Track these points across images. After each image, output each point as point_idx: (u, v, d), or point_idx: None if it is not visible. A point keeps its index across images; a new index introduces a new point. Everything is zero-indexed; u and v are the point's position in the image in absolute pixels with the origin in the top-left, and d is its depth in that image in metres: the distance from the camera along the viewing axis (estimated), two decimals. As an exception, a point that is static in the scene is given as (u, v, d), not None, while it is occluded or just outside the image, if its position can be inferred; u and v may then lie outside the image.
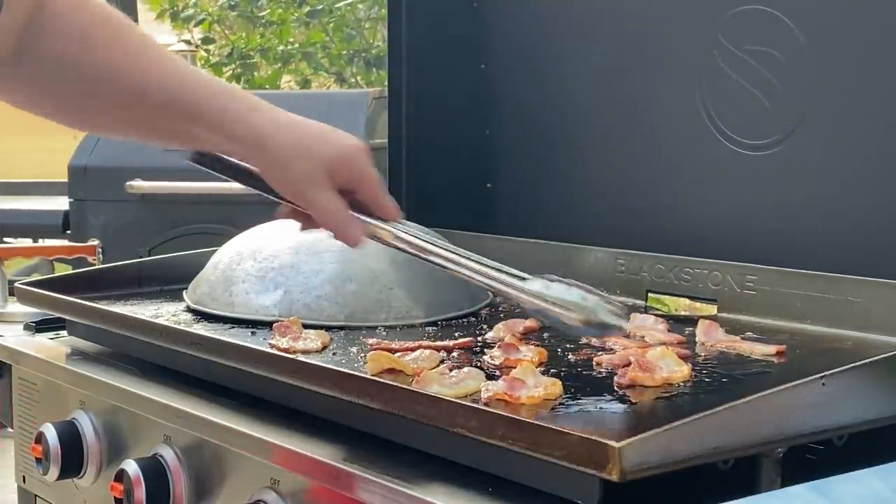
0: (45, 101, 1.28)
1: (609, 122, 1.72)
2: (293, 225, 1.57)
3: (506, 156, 1.87)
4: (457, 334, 1.40)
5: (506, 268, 1.23)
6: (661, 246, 1.60)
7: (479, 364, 1.24)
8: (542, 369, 1.20)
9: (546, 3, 1.81)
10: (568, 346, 1.33)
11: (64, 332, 1.68)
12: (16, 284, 1.71)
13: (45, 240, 3.28)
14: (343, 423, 1.21)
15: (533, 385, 1.11)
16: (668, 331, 1.38)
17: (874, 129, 1.42)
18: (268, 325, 1.42)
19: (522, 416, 1.03)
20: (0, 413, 1.73)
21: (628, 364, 1.18)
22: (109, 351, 1.59)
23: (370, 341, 1.34)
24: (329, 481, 1.13)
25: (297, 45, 5.72)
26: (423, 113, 1.85)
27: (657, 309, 1.56)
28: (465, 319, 1.50)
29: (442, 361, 1.25)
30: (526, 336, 1.38)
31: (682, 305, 1.57)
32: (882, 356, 1.11)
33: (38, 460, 1.48)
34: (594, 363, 1.24)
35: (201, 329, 1.44)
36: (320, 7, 5.67)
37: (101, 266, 2.17)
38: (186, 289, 1.60)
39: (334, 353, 1.32)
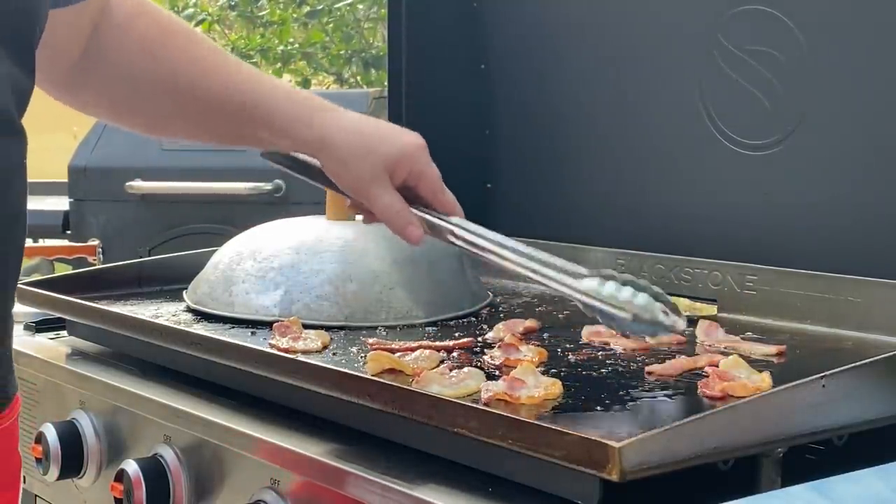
0: (112, 107, 1.31)
1: (609, 122, 1.72)
2: (293, 225, 1.58)
3: (506, 156, 1.87)
4: (457, 334, 1.40)
5: (560, 263, 1.22)
6: (661, 246, 1.60)
7: (479, 364, 1.24)
8: (542, 369, 1.20)
9: (546, 3, 1.81)
10: (568, 346, 1.34)
11: (64, 332, 1.68)
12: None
13: (45, 240, 3.28)
14: (343, 423, 1.21)
15: (533, 385, 1.11)
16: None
17: (874, 129, 1.42)
18: (268, 325, 1.42)
19: (522, 416, 1.03)
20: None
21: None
22: (109, 351, 1.59)
23: (370, 341, 1.34)
24: (329, 481, 1.13)
25: (296, 46, 5.72)
26: (422, 113, 1.85)
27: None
28: (465, 319, 1.50)
29: (442, 361, 1.25)
30: (526, 336, 1.38)
31: (682, 305, 1.57)
32: (882, 356, 1.11)
33: (38, 460, 1.48)
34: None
35: (201, 329, 1.44)
36: (320, 7, 5.67)
37: (101, 266, 2.17)
38: (186, 289, 1.60)
39: (334, 353, 1.32)
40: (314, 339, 1.34)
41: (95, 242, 2.83)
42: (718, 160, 1.56)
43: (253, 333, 1.41)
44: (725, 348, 1.30)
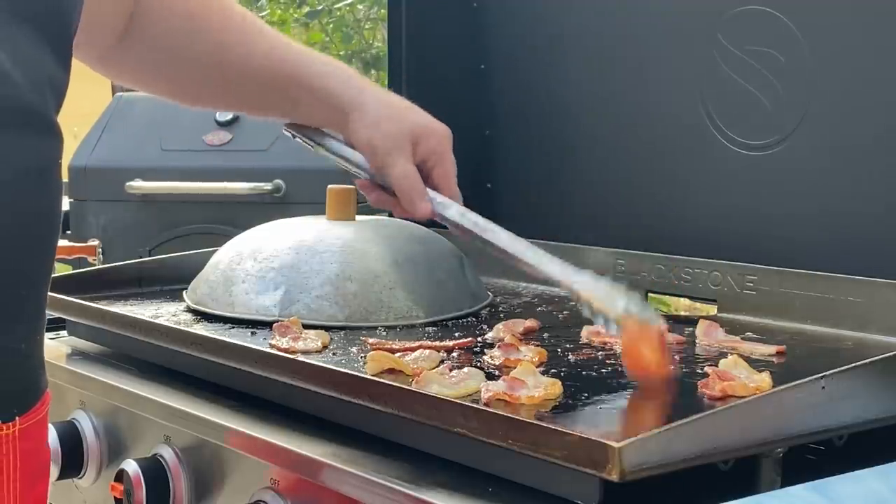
0: (154, 79, 1.36)
1: (609, 122, 1.72)
2: (293, 225, 1.58)
3: (506, 156, 1.87)
4: (457, 334, 1.40)
5: (559, 262, 1.26)
6: (661, 246, 1.60)
7: (479, 364, 1.24)
8: (542, 369, 1.20)
9: (546, 4, 1.81)
10: (568, 346, 1.34)
11: (64, 332, 1.68)
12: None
13: (45, 240, 3.27)
14: (343, 423, 1.21)
15: (533, 385, 1.11)
16: (669, 331, 1.38)
17: (874, 129, 1.42)
18: (268, 325, 1.42)
19: (522, 416, 1.03)
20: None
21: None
22: (109, 351, 1.59)
23: (370, 341, 1.34)
24: (329, 481, 1.13)
25: (296, 46, 5.72)
26: (423, 113, 1.85)
27: (657, 309, 1.56)
28: (465, 319, 1.50)
29: (442, 361, 1.25)
30: (526, 336, 1.38)
31: (682, 305, 1.57)
32: (882, 356, 1.11)
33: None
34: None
35: (201, 329, 1.44)
36: (320, 7, 5.67)
37: (101, 266, 2.17)
38: (186, 289, 1.60)
39: (334, 353, 1.32)
40: (314, 339, 1.34)
41: (95, 242, 2.82)
42: (718, 160, 1.56)
43: (253, 333, 1.41)
44: (726, 349, 1.30)
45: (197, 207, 2.78)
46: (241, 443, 1.24)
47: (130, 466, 1.33)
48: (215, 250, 1.61)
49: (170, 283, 1.73)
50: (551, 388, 1.11)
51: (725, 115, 1.56)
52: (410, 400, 1.09)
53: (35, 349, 1.06)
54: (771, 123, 1.50)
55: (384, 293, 1.47)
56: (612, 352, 1.30)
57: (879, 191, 1.41)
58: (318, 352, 1.32)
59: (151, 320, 1.47)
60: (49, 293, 1.60)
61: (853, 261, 1.40)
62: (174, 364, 1.45)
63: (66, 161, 3.04)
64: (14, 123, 0.98)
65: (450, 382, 1.14)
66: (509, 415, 1.02)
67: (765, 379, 1.10)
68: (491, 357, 1.26)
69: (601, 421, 1.05)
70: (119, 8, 1.28)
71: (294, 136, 1.41)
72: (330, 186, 1.61)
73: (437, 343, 1.33)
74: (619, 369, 1.23)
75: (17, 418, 1.02)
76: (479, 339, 1.37)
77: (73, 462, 1.47)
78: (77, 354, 1.60)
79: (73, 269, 2.55)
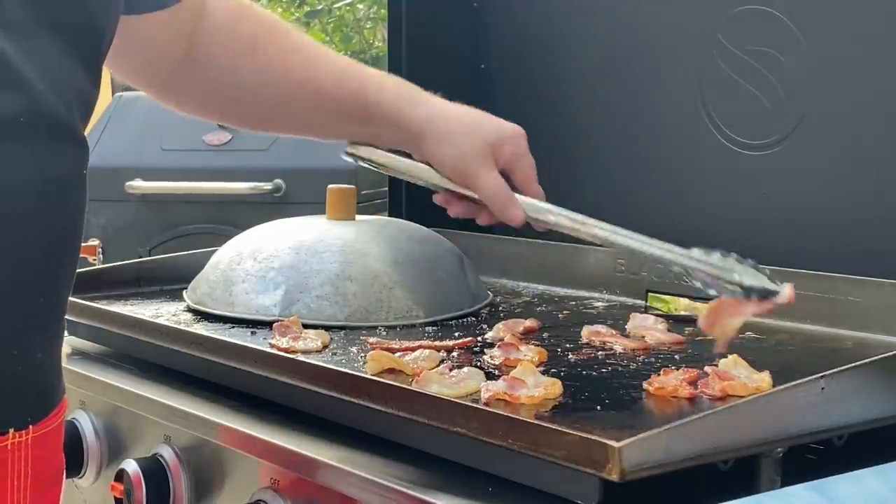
0: (221, 108, 1.35)
1: (609, 122, 1.72)
2: (293, 225, 1.58)
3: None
4: (457, 334, 1.40)
5: (659, 242, 1.26)
6: (660, 246, 1.60)
7: (479, 364, 1.24)
8: (542, 369, 1.20)
9: (546, 3, 1.81)
10: (568, 346, 1.34)
11: (64, 332, 1.68)
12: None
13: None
14: (343, 423, 1.21)
15: (533, 385, 1.11)
16: (668, 331, 1.38)
17: (874, 129, 1.42)
18: (268, 325, 1.42)
19: (522, 416, 1.03)
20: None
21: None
22: (109, 351, 1.59)
23: (370, 341, 1.34)
24: (329, 481, 1.13)
25: (296, 46, 5.72)
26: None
27: (657, 309, 1.56)
28: (465, 319, 1.50)
29: (442, 361, 1.25)
30: (526, 336, 1.38)
31: (682, 305, 1.57)
32: (882, 356, 1.11)
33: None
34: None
35: (201, 329, 1.44)
36: (320, 7, 5.67)
37: (101, 266, 2.17)
38: (186, 289, 1.60)
39: (334, 353, 1.32)
40: (314, 339, 1.34)
41: (95, 242, 2.82)
42: (718, 160, 1.56)
43: (253, 333, 1.41)
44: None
45: (197, 207, 2.78)
46: (241, 443, 1.24)
47: (130, 466, 1.33)
48: (215, 250, 1.61)
49: (170, 283, 1.73)
50: (551, 388, 1.11)
51: (725, 115, 1.56)
52: (410, 400, 1.09)
53: (52, 358, 1.05)
54: (771, 123, 1.50)
55: (384, 293, 1.47)
56: (611, 352, 1.30)
57: (879, 191, 1.41)
58: (318, 352, 1.32)
59: (151, 320, 1.47)
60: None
61: (853, 261, 1.40)
62: (174, 364, 1.45)
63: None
64: (39, 134, 0.97)
65: (450, 382, 1.14)
66: (509, 415, 1.02)
67: (765, 379, 1.10)
68: (491, 357, 1.26)
69: (601, 421, 1.05)
70: (173, 35, 1.25)
71: (357, 161, 1.37)
72: (330, 186, 1.61)
73: (437, 343, 1.33)
74: (620, 369, 1.23)
75: (30, 427, 1.02)
76: (479, 338, 1.37)
77: (73, 462, 1.46)
78: (77, 354, 1.60)
79: (73, 269, 2.54)
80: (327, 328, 1.41)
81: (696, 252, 1.20)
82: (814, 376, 1.05)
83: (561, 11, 1.78)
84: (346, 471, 1.11)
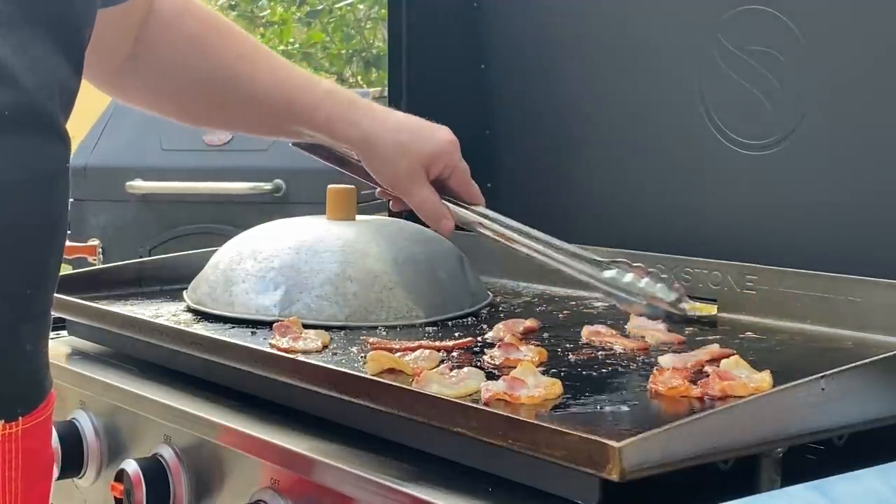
0: (161, 102, 1.39)
1: (609, 121, 1.72)
2: (293, 225, 1.58)
3: (506, 156, 1.87)
4: (457, 334, 1.40)
5: (586, 255, 1.43)
6: (660, 246, 1.60)
7: (479, 364, 1.24)
8: (542, 369, 1.20)
9: (546, 3, 1.81)
10: (568, 346, 1.34)
11: (64, 332, 1.68)
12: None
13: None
14: (343, 423, 1.21)
15: (533, 385, 1.11)
16: (669, 331, 1.38)
17: (874, 129, 1.42)
18: (268, 325, 1.42)
19: (522, 416, 1.03)
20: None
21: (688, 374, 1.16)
22: (109, 351, 1.59)
23: (370, 341, 1.34)
24: (329, 481, 1.13)
25: (297, 45, 5.72)
26: (423, 113, 1.85)
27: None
28: (465, 319, 1.50)
29: (442, 361, 1.25)
30: (526, 336, 1.38)
31: (681, 305, 1.57)
32: (882, 356, 1.11)
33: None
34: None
35: (201, 329, 1.44)
36: (321, 7, 5.67)
37: (101, 266, 2.17)
38: (186, 289, 1.60)
39: (334, 353, 1.32)
40: (314, 339, 1.34)
41: (95, 242, 2.83)
42: (718, 160, 1.56)
43: (253, 333, 1.41)
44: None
45: (197, 207, 2.78)
46: (241, 443, 1.24)
47: (130, 466, 1.33)
48: (215, 250, 1.61)
49: (170, 283, 1.73)
50: (551, 388, 1.11)
51: (725, 115, 1.56)
52: (410, 400, 1.09)
53: (40, 350, 1.06)
54: (771, 123, 1.50)
55: (384, 293, 1.47)
56: (611, 352, 1.30)
57: (879, 191, 1.41)
58: (318, 352, 1.32)
59: (151, 320, 1.47)
60: (49, 293, 1.61)
61: (853, 261, 1.40)
62: (174, 364, 1.45)
63: (66, 161, 3.03)
64: (23, 126, 0.99)
65: (450, 382, 1.14)
66: (509, 415, 1.02)
67: (765, 379, 1.10)
68: (491, 357, 1.26)
69: (601, 421, 1.05)
70: (123, 31, 1.29)
71: (306, 153, 1.47)
72: (330, 186, 1.61)
73: (437, 343, 1.33)
74: (620, 369, 1.23)
75: (20, 418, 1.02)
76: (479, 338, 1.37)
77: (73, 462, 1.47)
78: (77, 354, 1.60)
79: (73, 269, 2.55)
80: (327, 328, 1.41)
81: (611, 273, 1.42)
82: (814, 376, 1.05)
83: (561, 12, 1.78)
84: (346, 471, 1.11)
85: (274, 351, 1.29)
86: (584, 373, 1.22)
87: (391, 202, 1.46)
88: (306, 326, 1.39)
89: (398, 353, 1.26)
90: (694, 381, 1.12)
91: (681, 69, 1.60)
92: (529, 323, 1.43)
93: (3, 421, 1.01)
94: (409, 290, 1.48)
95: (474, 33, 1.89)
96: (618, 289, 1.42)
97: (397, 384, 1.14)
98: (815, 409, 1.05)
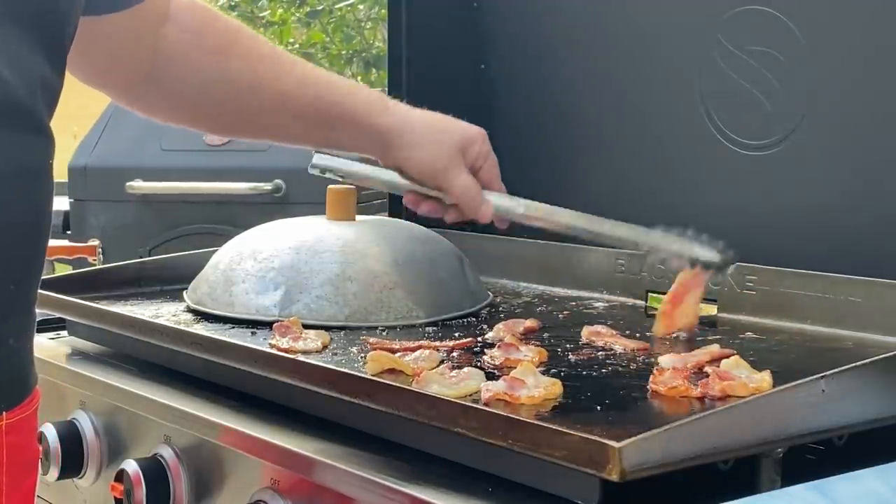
0: (181, 111, 1.37)
1: (609, 122, 1.72)
2: (293, 225, 1.58)
3: (506, 156, 1.87)
4: (457, 334, 1.40)
5: (627, 225, 1.40)
6: (661, 246, 1.60)
7: (479, 364, 1.24)
8: (542, 369, 1.20)
9: (546, 3, 1.81)
10: (568, 346, 1.34)
11: (64, 332, 1.68)
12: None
13: (45, 240, 3.26)
14: (343, 423, 1.21)
15: (533, 385, 1.11)
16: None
17: (874, 130, 1.42)
18: (268, 325, 1.42)
19: (522, 416, 1.03)
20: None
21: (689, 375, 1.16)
22: (109, 351, 1.59)
23: (370, 341, 1.34)
24: (329, 481, 1.13)
25: (297, 46, 5.71)
26: (423, 113, 1.86)
27: (657, 309, 1.55)
28: (465, 319, 1.50)
29: (442, 361, 1.25)
30: (526, 336, 1.38)
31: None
32: (882, 356, 1.11)
33: (39, 460, 1.48)
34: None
35: (201, 329, 1.44)
36: (321, 7, 5.67)
37: (101, 266, 2.17)
38: (186, 289, 1.60)
39: (334, 353, 1.32)
40: (314, 339, 1.34)
41: (95, 242, 2.83)
42: (718, 160, 1.56)
43: (253, 333, 1.41)
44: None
45: (197, 207, 2.78)
46: (241, 443, 1.24)
47: (130, 466, 1.33)
48: (215, 250, 1.61)
49: (170, 283, 1.73)
50: (551, 388, 1.11)
51: (725, 115, 1.56)
52: (410, 400, 1.09)
53: (24, 345, 1.07)
54: (771, 123, 1.50)
55: (384, 293, 1.47)
56: (611, 352, 1.30)
57: (879, 191, 1.41)
58: (318, 352, 1.32)
59: (151, 320, 1.47)
60: (49, 293, 1.61)
61: (853, 261, 1.40)
62: (174, 364, 1.45)
63: (66, 161, 3.05)
64: (8, 123, 0.99)
65: (450, 382, 1.14)
66: (509, 415, 1.02)
67: (765, 379, 1.10)
68: (491, 357, 1.26)
69: (601, 421, 1.05)
70: (137, 37, 1.27)
71: (323, 173, 1.44)
72: (330, 186, 1.61)
73: (437, 343, 1.33)
74: (620, 369, 1.23)
75: (3, 413, 1.03)
76: (479, 339, 1.37)
77: (73, 462, 1.47)
78: (77, 354, 1.60)
79: (73, 269, 2.55)
80: (327, 328, 1.41)
81: (657, 234, 1.39)
82: (814, 376, 1.05)
83: (561, 12, 1.78)
84: (346, 470, 1.11)
85: (274, 351, 1.29)
86: (584, 373, 1.22)
87: (418, 205, 1.39)
88: (306, 327, 1.39)
89: (398, 354, 1.26)
90: (694, 382, 1.12)
91: (681, 69, 1.60)
92: (529, 323, 1.43)
93: None
94: (409, 291, 1.48)
95: (474, 33, 1.89)
96: (675, 244, 1.39)
97: (397, 384, 1.14)
98: (815, 409, 1.05)
